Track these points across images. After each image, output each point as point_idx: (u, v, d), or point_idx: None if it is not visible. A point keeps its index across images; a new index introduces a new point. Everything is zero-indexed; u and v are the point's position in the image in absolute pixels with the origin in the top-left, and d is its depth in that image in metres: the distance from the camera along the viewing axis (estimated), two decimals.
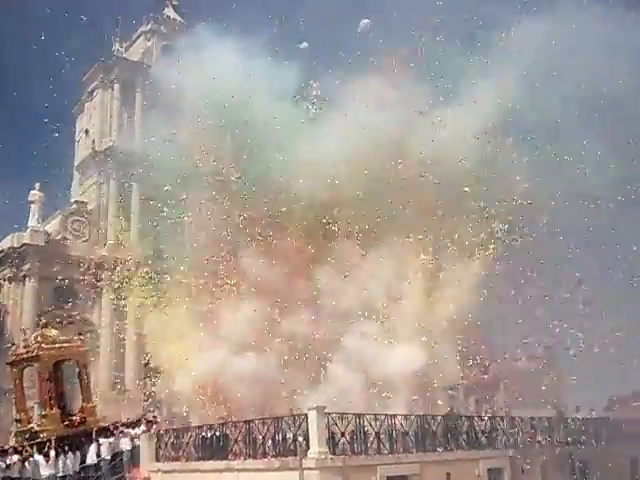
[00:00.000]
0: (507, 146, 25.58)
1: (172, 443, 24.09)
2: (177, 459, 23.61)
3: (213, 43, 27.30)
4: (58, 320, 38.02)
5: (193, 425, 24.40)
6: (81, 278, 40.67)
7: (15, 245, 39.99)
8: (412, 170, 24.78)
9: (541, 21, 25.26)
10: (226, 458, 21.39)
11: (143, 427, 24.70)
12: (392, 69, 26.35)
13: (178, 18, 52.14)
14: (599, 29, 24.06)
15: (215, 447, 22.26)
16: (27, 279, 39.42)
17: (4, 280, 40.09)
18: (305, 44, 29.04)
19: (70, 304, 39.81)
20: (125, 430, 24.42)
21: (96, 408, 27.66)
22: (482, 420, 23.94)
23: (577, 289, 25.08)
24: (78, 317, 39.92)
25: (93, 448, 23.57)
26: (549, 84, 25.06)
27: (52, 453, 22.35)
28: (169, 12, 52.99)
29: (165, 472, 23.68)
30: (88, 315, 40.98)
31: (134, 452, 24.14)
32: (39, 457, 22.28)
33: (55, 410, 25.66)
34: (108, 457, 23.61)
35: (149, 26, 51.56)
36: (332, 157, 25.01)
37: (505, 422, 24.60)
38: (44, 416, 25.75)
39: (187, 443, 23.40)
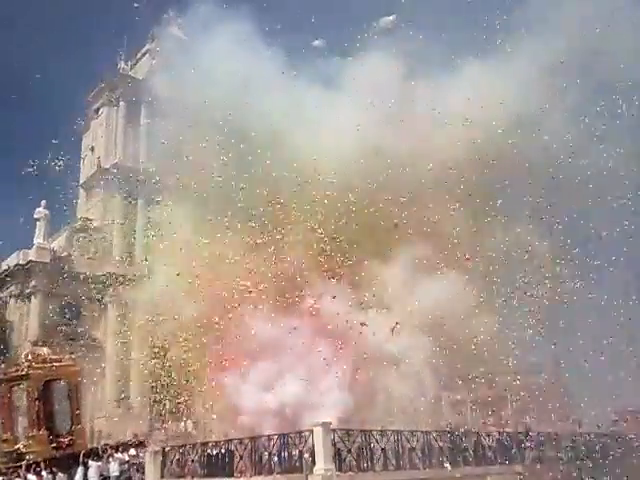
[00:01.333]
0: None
1: (177, 460, 23.93)
2: (182, 476, 23.46)
3: (218, 34, 27.46)
4: (63, 336, 38.24)
5: (199, 442, 24.23)
6: (87, 295, 40.68)
7: (21, 262, 40.08)
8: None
9: None
10: (232, 475, 21.27)
11: (133, 451, 24.18)
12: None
13: (183, 36, 52.43)
14: None
15: (220, 464, 22.14)
16: (33, 296, 39.46)
17: (10, 297, 40.15)
18: (318, 42, 29.24)
19: (76, 320, 39.84)
20: (115, 455, 23.77)
21: (85, 430, 27.08)
22: (489, 436, 23.76)
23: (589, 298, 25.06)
24: (84, 334, 39.92)
25: (81, 471, 22.89)
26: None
27: (44, 473, 21.84)
28: (173, 30, 53.31)
29: None
30: (94, 331, 40.92)
31: (126, 475, 23.57)
32: (32, 477, 21.84)
33: (43, 431, 24.87)
34: None
35: (154, 44, 51.92)
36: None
37: (513, 437, 24.43)
38: (31, 437, 25.05)
39: (192, 460, 23.26)
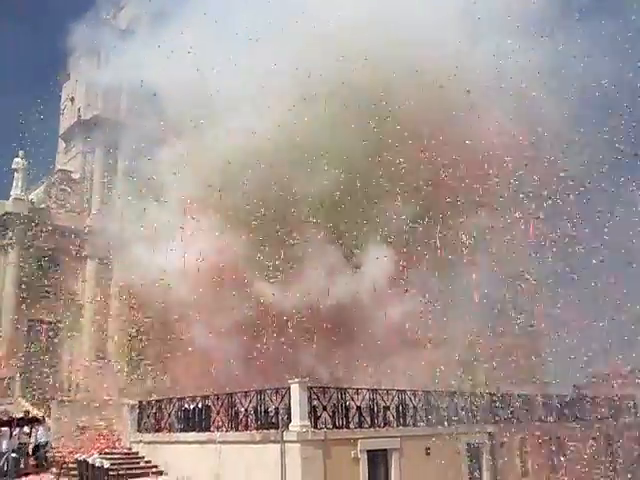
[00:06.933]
0: None
1: (154, 414, 24.16)
2: (159, 430, 23.72)
3: None
4: (41, 290, 38.00)
5: (175, 397, 24.41)
6: (65, 248, 40.33)
7: None
8: None
9: None
10: (208, 430, 21.54)
11: (26, 429, 23.50)
12: None
13: None
14: None
15: (197, 419, 22.39)
16: (10, 248, 38.93)
17: None
18: None
19: (54, 274, 39.54)
20: (2, 429, 22.79)
21: None
22: (462, 396, 24.21)
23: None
24: (62, 287, 39.67)
25: None
26: None
27: None
28: None
29: (147, 443, 23.84)
30: (72, 285, 40.65)
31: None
32: None
33: None
34: None
35: None
36: None
37: (485, 398, 24.93)
38: None
39: (169, 414, 23.49)
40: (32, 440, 23.62)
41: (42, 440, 23.81)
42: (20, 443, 22.98)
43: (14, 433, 22.97)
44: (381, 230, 25.77)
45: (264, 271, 26.03)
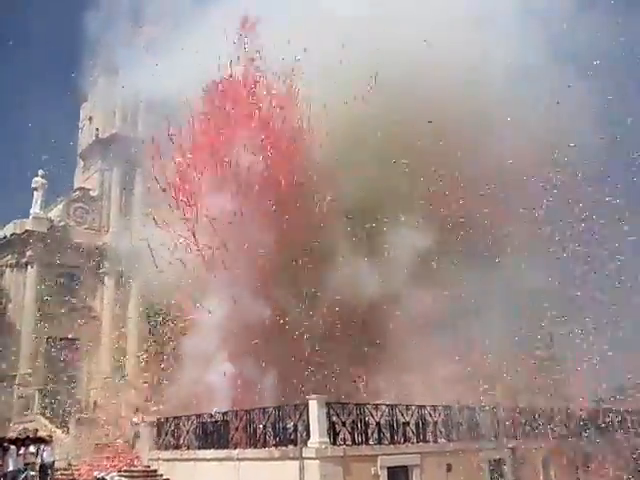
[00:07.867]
0: None
1: (172, 431, 24.06)
2: (177, 447, 23.60)
3: None
4: (60, 307, 38.26)
5: (193, 414, 24.28)
6: (84, 265, 40.65)
7: (18, 232, 39.88)
8: None
9: None
10: (226, 447, 21.38)
11: (32, 448, 22.84)
12: None
13: None
14: None
15: (215, 436, 22.26)
16: (29, 266, 39.32)
17: (6, 267, 39.98)
18: None
19: (73, 291, 39.81)
20: (11, 447, 22.03)
21: None
22: (483, 411, 23.86)
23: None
24: (81, 304, 39.93)
25: None
26: None
27: None
28: None
29: (165, 460, 23.73)
30: (91, 302, 40.93)
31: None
32: None
33: None
34: None
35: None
36: None
37: (506, 413, 24.56)
38: None
39: (187, 432, 23.38)
40: (38, 460, 23.46)
41: (48, 460, 23.66)
42: (26, 463, 22.84)
43: (20, 452, 22.86)
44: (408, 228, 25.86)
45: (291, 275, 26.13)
